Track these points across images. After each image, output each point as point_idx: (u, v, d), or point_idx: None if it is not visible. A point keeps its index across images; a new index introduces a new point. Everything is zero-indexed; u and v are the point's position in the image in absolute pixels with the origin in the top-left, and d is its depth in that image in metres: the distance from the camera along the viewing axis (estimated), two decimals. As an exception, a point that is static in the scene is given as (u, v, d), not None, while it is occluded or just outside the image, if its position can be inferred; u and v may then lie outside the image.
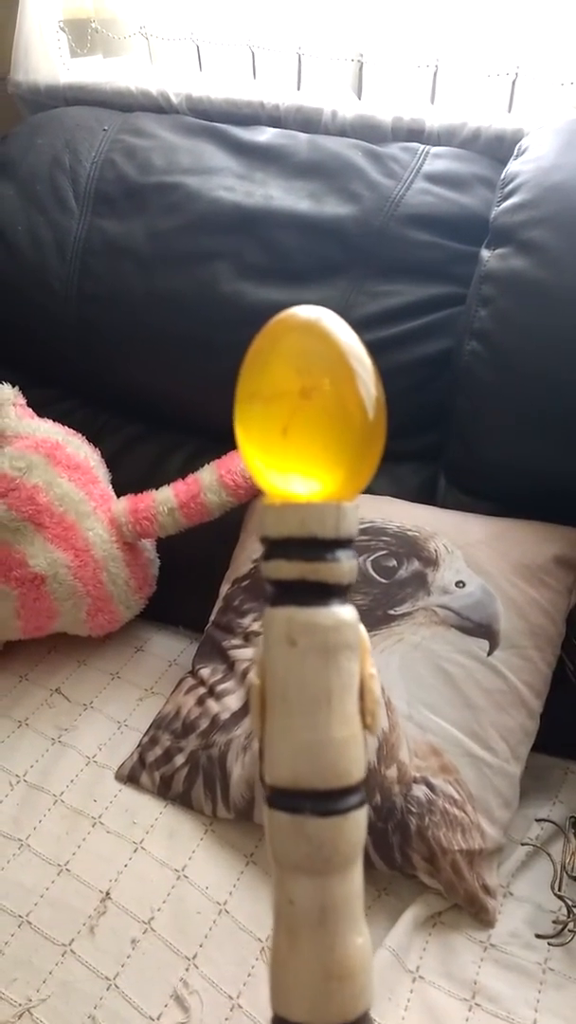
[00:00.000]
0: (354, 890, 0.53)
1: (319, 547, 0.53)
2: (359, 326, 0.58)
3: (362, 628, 0.55)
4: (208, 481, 0.90)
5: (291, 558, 0.54)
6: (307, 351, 0.54)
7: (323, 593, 0.54)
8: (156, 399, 1.05)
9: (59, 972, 0.66)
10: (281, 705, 0.53)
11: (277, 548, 0.54)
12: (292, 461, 0.54)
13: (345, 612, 0.54)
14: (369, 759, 0.71)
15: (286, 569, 0.54)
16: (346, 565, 0.54)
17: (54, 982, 0.65)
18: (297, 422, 0.53)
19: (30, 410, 0.97)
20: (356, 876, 0.54)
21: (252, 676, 0.56)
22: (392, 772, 0.71)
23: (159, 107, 1.13)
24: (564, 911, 0.71)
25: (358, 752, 0.54)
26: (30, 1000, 0.64)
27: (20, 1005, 0.64)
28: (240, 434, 0.57)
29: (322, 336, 0.55)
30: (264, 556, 0.56)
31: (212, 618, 0.89)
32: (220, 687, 0.81)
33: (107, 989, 0.65)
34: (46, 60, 1.18)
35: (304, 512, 0.53)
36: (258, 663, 0.56)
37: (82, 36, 1.19)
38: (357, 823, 0.53)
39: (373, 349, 0.57)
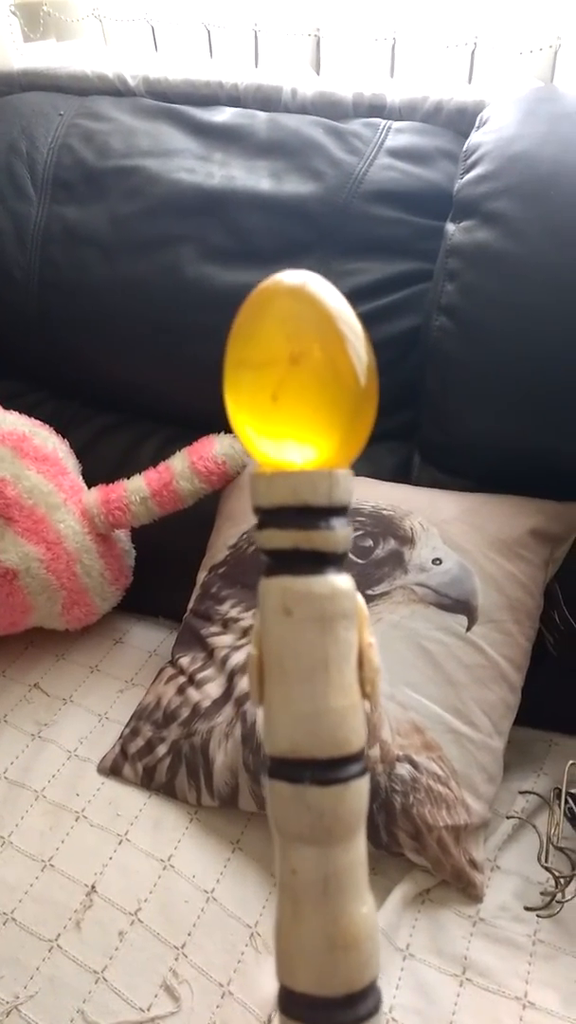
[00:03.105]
0: (357, 859, 0.53)
1: (312, 515, 0.53)
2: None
3: (360, 597, 0.55)
4: (180, 468, 0.89)
5: (284, 527, 0.53)
6: (295, 316, 0.53)
7: (318, 562, 0.53)
8: (124, 388, 1.03)
9: (46, 968, 0.65)
10: (279, 675, 0.53)
11: (270, 517, 0.54)
12: (284, 427, 0.53)
13: (341, 581, 0.53)
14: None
15: (279, 538, 0.53)
16: (340, 533, 0.53)
17: (41, 978, 0.65)
18: (287, 388, 0.52)
19: (-5, 403, 0.95)
20: (359, 845, 0.53)
21: (250, 646, 0.56)
22: (375, 751, 0.71)
23: (116, 90, 1.10)
24: (551, 882, 0.72)
25: (357, 721, 0.53)
26: (18, 997, 0.64)
27: (8, 1003, 0.63)
28: (230, 402, 0.55)
29: (310, 301, 0.53)
30: (257, 526, 0.55)
31: (190, 606, 0.88)
32: (200, 675, 0.80)
33: (95, 983, 0.64)
34: (-2, 46, 1.16)
35: (295, 480, 0.52)
36: (255, 633, 0.55)
37: (34, 20, 1.16)
38: (358, 792, 0.53)
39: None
